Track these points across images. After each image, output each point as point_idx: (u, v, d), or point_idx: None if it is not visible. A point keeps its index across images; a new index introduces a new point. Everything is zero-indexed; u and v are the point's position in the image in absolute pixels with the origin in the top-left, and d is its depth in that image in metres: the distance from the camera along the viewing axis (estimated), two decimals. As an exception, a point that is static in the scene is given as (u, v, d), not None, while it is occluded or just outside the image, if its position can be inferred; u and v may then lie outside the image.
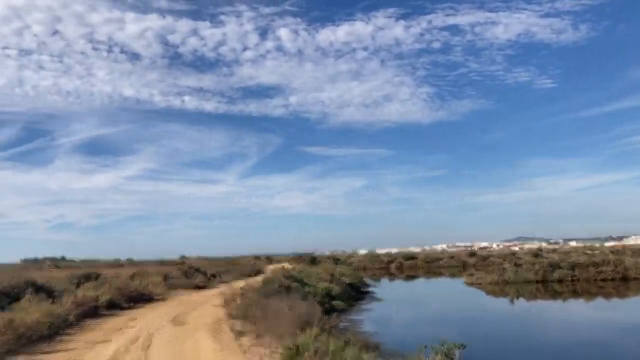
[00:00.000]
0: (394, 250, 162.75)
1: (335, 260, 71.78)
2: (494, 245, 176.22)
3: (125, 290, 22.78)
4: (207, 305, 20.67)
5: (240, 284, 33.96)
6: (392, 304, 31.66)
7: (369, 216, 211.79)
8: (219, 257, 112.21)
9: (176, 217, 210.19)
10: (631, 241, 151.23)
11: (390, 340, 16.45)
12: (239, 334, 11.90)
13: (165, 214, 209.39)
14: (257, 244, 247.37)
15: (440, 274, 68.77)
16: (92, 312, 18.53)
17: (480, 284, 42.07)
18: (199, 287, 30.93)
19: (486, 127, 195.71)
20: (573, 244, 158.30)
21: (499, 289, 40.02)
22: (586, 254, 73.70)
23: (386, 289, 41.55)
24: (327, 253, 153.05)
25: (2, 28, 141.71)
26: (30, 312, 14.64)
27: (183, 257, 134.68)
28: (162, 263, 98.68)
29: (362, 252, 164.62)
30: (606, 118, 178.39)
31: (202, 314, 17.42)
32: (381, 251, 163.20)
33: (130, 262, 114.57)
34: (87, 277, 26.02)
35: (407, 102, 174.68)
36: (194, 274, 34.19)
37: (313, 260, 58.17)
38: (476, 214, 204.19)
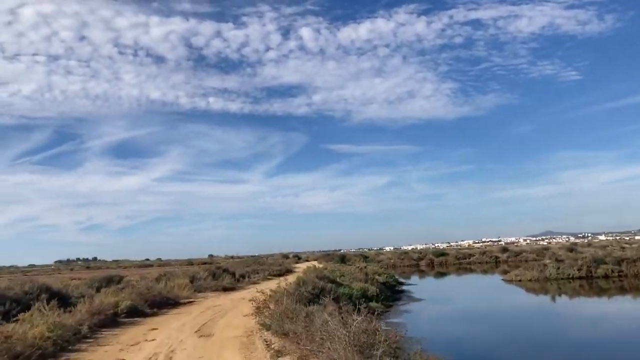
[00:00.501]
0: (419, 247, 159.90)
1: (364, 257, 69.36)
2: (521, 240, 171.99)
3: (148, 294, 20.65)
4: (236, 311, 18.39)
5: (271, 284, 31.74)
6: (432, 304, 29.07)
7: (394, 213, 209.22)
8: (247, 256, 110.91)
9: (204, 217, 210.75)
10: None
11: (448, 351, 13.99)
12: (276, 353, 9.56)
13: (193, 214, 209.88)
14: (283, 242, 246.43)
15: (471, 271, 65.82)
16: (110, 320, 16.39)
17: (520, 280, 39.21)
18: (227, 289, 28.75)
19: (511, 122, 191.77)
20: (602, 237, 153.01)
21: (539, 286, 37.16)
22: (624, 247, 69.99)
23: (421, 287, 38.92)
24: (353, 250, 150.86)
25: (32, 35, 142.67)
26: (36, 324, 12.53)
27: (211, 257, 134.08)
28: (190, 263, 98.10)
29: (388, 249, 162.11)
30: (635, 109, 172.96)
31: (231, 324, 15.13)
32: (407, 248, 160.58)
33: (159, 263, 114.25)
34: (109, 281, 24.02)
35: (430, 98, 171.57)
36: (222, 275, 32.03)
37: (343, 258, 55.75)
38: (502, 209, 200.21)
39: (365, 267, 37.64)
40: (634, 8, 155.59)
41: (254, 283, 33.84)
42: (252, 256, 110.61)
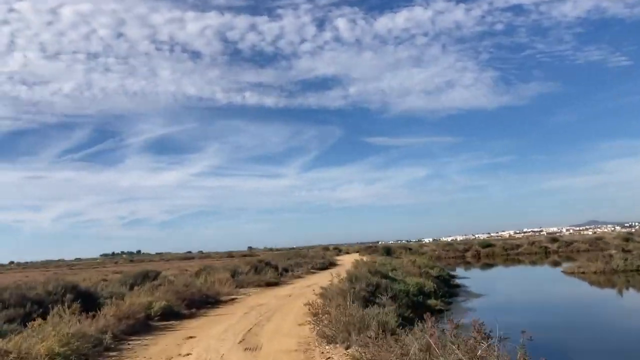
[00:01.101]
0: (459, 238, 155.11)
1: (408, 249, 66.18)
2: (564, 230, 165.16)
3: (186, 292, 18.17)
4: (284, 312, 15.70)
5: (317, 279, 29.01)
6: (494, 301, 25.84)
7: (433, 205, 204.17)
8: (285, 248, 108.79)
9: (242, 211, 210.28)
10: None
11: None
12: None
13: (231, 209, 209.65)
14: (321, 235, 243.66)
15: (519, 262, 61.88)
16: (141, 325, 13.90)
17: (583, 273, 35.51)
18: (270, 284, 26.20)
19: (555, 111, 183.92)
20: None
21: (605, 279, 33.49)
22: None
23: (476, 281, 35.44)
24: (391, 242, 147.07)
25: (71, 33, 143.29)
26: (48, 334, 10.05)
27: (250, 249, 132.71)
28: (231, 255, 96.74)
29: (427, 240, 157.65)
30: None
31: (281, 330, 12.40)
32: (447, 239, 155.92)
33: (201, 255, 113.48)
34: (145, 277, 21.68)
35: (470, 88, 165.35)
36: (264, 269, 29.52)
37: (388, 250, 52.64)
38: (544, 199, 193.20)
39: (415, 260, 34.57)
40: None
41: (298, 277, 31.29)
42: (291, 248, 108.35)
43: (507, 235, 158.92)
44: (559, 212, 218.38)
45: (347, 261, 49.28)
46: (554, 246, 66.65)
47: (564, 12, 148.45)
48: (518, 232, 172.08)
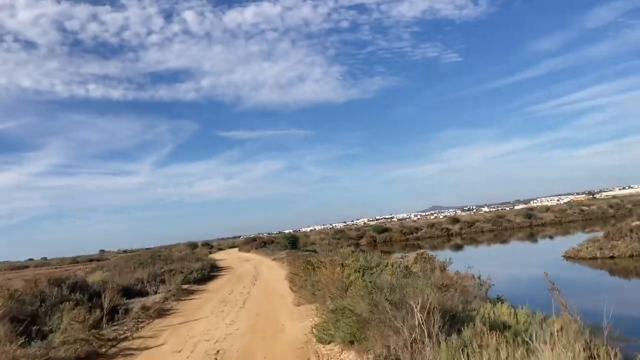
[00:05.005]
0: (317, 228, 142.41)
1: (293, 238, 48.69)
2: (412, 216, 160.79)
3: None
4: None
5: (203, 323, 10.02)
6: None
7: (290, 197, 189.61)
8: (142, 249, 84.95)
9: (91, 212, 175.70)
10: (537, 203, 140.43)
11: None
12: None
13: (78, 209, 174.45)
14: (178, 233, 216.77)
15: (419, 247, 47.83)
16: None
17: (612, 257, 21.02)
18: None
19: (398, 104, 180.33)
20: (485, 209, 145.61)
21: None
22: (583, 210, 56.11)
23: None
24: (252, 235, 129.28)
25: None
26: None
27: (102, 252, 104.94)
28: (76, 261, 72.33)
29: (288, 231, 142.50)
30: (509, 89, 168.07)
31: None
32: (305, 229, 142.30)
33: (41, 262, 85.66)
34: None
35: (320, 82, 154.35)
36: (60, 309, 9.84)
37: (294, 242, 34.26)
38: (393, 188, 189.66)
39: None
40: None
41: (162, 314, 11.89)
42: (147, 249, 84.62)
43: (362, 223, 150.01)
44: (406, 199, 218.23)
45: (233, 261, 30.63)
46: (455, 227, 53.85)
47: (402, 12, 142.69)
48: (371, 219, 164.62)
